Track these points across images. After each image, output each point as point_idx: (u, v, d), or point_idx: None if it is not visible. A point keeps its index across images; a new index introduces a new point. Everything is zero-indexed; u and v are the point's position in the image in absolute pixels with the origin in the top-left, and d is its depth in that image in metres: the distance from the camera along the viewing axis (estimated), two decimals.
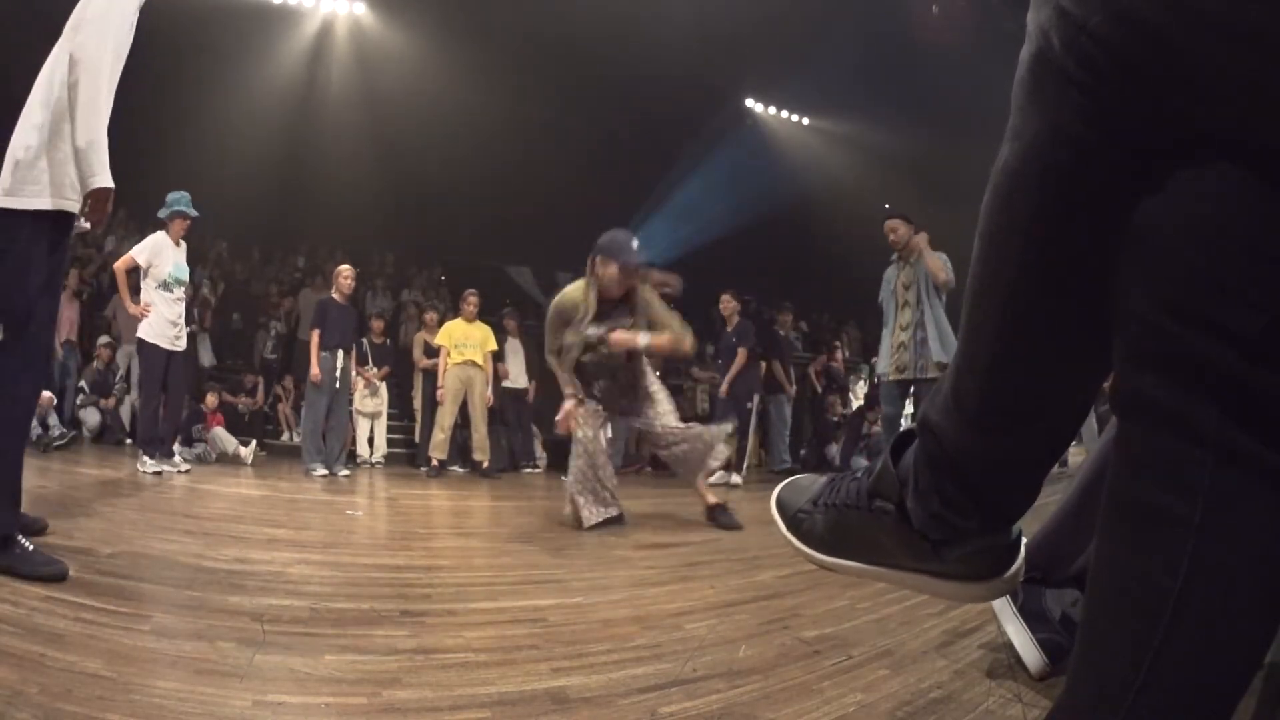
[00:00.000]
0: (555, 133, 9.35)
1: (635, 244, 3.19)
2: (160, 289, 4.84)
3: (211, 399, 6.71)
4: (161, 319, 4.84)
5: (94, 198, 2.01)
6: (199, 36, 8.47)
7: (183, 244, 5.01)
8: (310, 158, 10.28)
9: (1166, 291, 0.60)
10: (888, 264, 4.94)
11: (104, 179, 2.01)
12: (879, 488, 0.83)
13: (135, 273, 4.90)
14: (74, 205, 2.02)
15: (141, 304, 4.82)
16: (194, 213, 4.95)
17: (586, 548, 2.93)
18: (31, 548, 1.87)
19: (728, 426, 3.70)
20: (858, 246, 11.56)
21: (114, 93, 2.10)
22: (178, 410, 5.32)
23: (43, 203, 1.97)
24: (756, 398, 6.59)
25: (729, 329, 6.61)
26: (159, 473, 4.74)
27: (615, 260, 3.12)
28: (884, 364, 4.85)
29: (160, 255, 4.85)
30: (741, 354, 6.38)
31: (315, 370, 5.79)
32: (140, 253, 4.86)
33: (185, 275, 5.02)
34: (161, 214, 4.93)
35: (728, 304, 6.63)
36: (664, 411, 3.51)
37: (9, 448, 1.93)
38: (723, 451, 3.48)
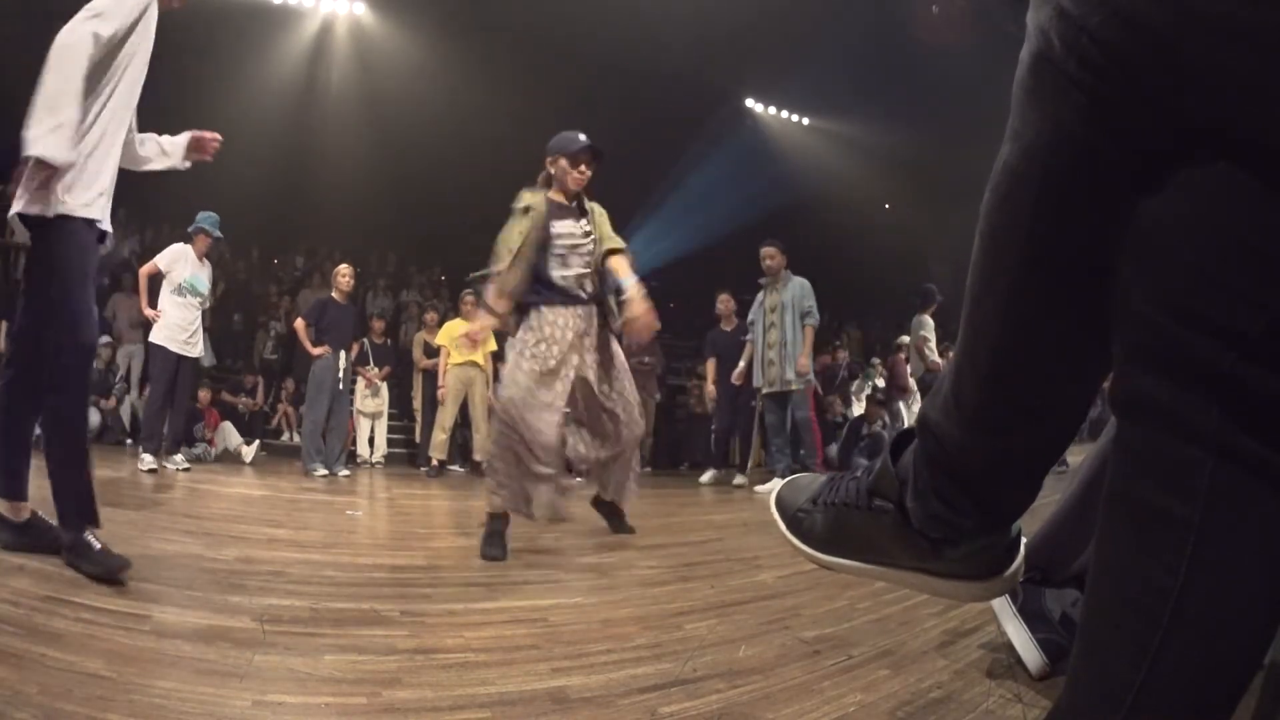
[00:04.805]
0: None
1: (582, 137, 3.03)
2: (174, 294, 5.14)
3: (204, 394, 6.70)
4: (171, 323, 5.12)
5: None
6: (199, 37, 8.45)
7: (206, 262, 5.35)
8: (310, 158, 10.27)
9: (1167, 292, 0.60)
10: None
11: None
12: (878, 487, 0.83)
13: (158, 278, 5.19)
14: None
15: (156, 309, 5.11)
16: (217, 233, 5.33)
17: (587, 548, 2.93)
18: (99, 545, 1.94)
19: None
20: (858, 246, 11.63)
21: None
22: (182, 412, 5.43)
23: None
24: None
25: (729, 329, 6.51)
26: (154, 470, 4.85)
27: (564, 153, 3.04)
28: (758, 378, 5.66)
29: (178, 263, 5.19)
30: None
31: (315, 350, 5.86)
32: (162, 258, 5.21)
33: (202, 287, 5.30)
34: (190, 229, 5.28)
35: (727, 304, 6.53)
36: (628, 389, 2.97)
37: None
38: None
